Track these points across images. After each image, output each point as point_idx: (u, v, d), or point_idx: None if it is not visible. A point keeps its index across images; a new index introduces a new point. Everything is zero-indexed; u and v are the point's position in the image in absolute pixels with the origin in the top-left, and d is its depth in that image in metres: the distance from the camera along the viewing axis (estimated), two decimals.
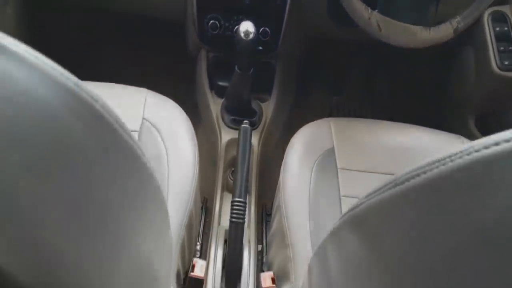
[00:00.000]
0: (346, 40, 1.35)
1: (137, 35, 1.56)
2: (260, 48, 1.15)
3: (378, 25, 0.87)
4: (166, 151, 0.82)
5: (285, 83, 1.32)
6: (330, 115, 1.59)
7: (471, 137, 1.23)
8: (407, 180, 0.30)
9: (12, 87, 0.21)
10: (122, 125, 0.29)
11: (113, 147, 0.27)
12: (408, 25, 0.86)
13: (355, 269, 0.40)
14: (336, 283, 0.44)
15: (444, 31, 0.88)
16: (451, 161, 0.26)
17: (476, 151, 0.24)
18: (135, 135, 0.81)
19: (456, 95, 1.31)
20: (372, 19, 0.87)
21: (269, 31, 1.12)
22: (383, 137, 0.94)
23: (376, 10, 0.87)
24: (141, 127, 0.84)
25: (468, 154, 0.25)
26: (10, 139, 0.19)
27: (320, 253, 0.52)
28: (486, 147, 0.24)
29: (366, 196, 0.37)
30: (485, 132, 1.23)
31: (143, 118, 0.86)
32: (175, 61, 1.50)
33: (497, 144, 0.23)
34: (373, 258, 0.36)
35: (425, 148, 0.92)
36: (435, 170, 0.27)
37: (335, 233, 0.46)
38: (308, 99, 1.60)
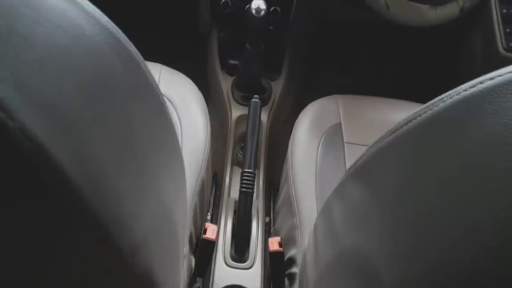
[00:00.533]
0: (354, 20, 1.37)
1: (149, 14, 1.59)
2: (271, 27, 1.18)
3: (386, 4, 0.89)
4: (180, 122, 0.85)
5: (295, 63, 1.34)
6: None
7: None
8: (405, 124, 0.33)
9: (67, 21, 0.24)
10: (150, 72, 0.33)
11: (144, 88, 0.31)
12: (415, 3, 0.89)
13: (358, 218, 0.43)
14: (341, 235, 0.47)
15: (450, 10, 0.90)
16: (443, 102, 0.29)
17: (464, 90, 0.28)
18: None
19: (464, 76, 1.32)
20: None
21: (279, 10, 1.15)
22: (389, 113, 0.97)
23: None
24: None
25: (457, 94, 0.28)
26: (66, 65, 0.23)
27: (325, 210, 0.55)
28: (472, 86, 0.27)
29: (367, 149, 0.41)
30: None
31: None
32: (187, 40, 1.53)
33: (482, 82, 0.27)
34: (373, 204, 0.39)
35: None
36: (429, 112, 0.30)
37: (339, 189, 0.50)
38: (317, 79, 1.63)
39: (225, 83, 1.19)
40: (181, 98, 0.90)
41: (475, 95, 0.27)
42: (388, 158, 0.36)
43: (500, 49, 1.12)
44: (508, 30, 1.13)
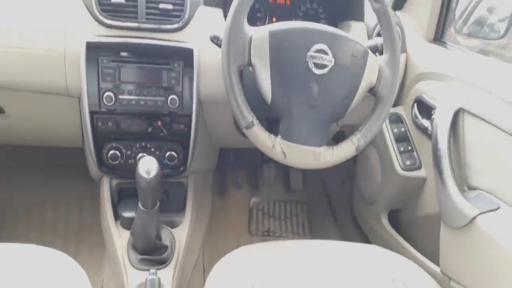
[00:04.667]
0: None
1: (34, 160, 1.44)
2: (168, 170, 1.09)
3: (283, 152, 0.85)
4: None
5: (201, 198, 1.25)
6: (249, 217, 1.55)
7: (386, 233, 1.24)
8: None
9: None
10: None
11: None
12: (311, 147, 0.86)
13: None
14: None
15: (346, 150, 0.88)
16: None
17: None
18: None
19: (366, 193, 1.33)
20: (276, 147, 0.85)
21: (175, 154, 1.07)
22: (303, 259, 0.89)
23: (279, 136, 0.86)
24: None
25: None
26: None
27: None
28: None
29: None
30: (397, 227, 1.25)
31: None
32: (80, 184, 1.41)
33: None
34: None
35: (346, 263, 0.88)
36: None
37: None
38: (226, 203, 1.55)
39: (120, 240, 1.05)
40: None
41: None
42: None
43: (397, 168, 1.13)
44: (402, 148, 1.16)
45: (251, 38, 0.82)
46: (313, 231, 1.54)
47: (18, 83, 0.99)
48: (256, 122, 0.84)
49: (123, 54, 0.98)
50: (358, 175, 1.38)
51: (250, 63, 0.83)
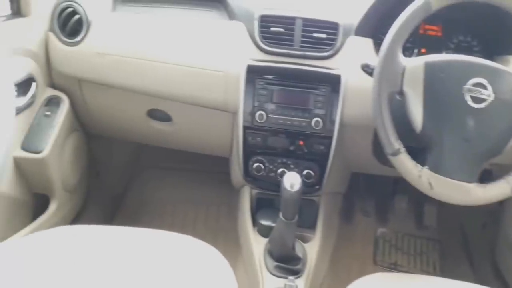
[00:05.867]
0: (391, 175, 1.33)
1: (184, 163, 1.64)
2: (304, 187, 1.15)
3: (430, 183, 0.85)
4: None
5: (329, 219, 1.29)
6: (375, 247, 1.52)
7: None
8: None
9: None
10: None
11: None
12: (461, 182, 0.83)
13: None
14: None
15: (500, 190, 0.84)
16: None
17: None
18: None
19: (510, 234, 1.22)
20: (423, 177, 0.85)
21: (312, 173, 1.13)
22: None
23: (427, 167, 0.86)
24: None
25: None
26: None
27: None
28: None
29: None
30: None
31: None
32: (220, 190, 1.55)
33: None
34: None
35: None
36: None
37: None
38: (352, 230, 1.55)
39: (257, 246, 1.13)
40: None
41: None
42: None
43: None
44: None
45: (404, 68, 0.85)
46: (445, 272, 1.45)
47: (185, 96, 1.15)
48: (403, 149, 0.86)
49: (277, 77, 1.08)
50: (505, 220, 1.27)
51: (401, 92, 0.86)
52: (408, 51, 1.17)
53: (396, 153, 0.86)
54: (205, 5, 1.19)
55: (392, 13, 1.05)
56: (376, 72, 0.87)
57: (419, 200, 1.60)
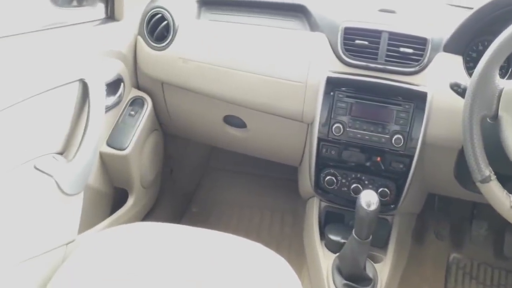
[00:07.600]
0: (471, 199, 1.25)
1: (254, 168, 1.65)
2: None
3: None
4: None
5: (402, 240, 1.23)
6: (447, 273, 1.44)
7: None
8: None
9: None
10: None
11: None
12: None
13: None
14: None
15: None
16: None
17: None
18: None
19: None
20: None
21: (388, 192, 1.09)
22: None
23: None
24: None
25: None
26: None
27: None
28: None
29: None
30: None
31: None
32: (285, 197, 1.54)
33: None
34: None
35: None
36: None
37: None
38: (423, 252, 1.48)
39: (325, 260, 1.11)
40: None
41: None
42: None
43: None
44: None
45: (501, 91, 0.79)
46: None
47: (262, 105, 1.16)
48: (493, 177, 0.80)
49: (357, 90, 1.06)
50: None
51: (496, 116, 0.80)
52: (501, 71, 1.09)
53: (486, 180, 0.80)
54: (288, 15, 1.19)
55: (485, 31, 0.99)
56: (468, 93, 0.81)
57: (500, 228, 1.49)
